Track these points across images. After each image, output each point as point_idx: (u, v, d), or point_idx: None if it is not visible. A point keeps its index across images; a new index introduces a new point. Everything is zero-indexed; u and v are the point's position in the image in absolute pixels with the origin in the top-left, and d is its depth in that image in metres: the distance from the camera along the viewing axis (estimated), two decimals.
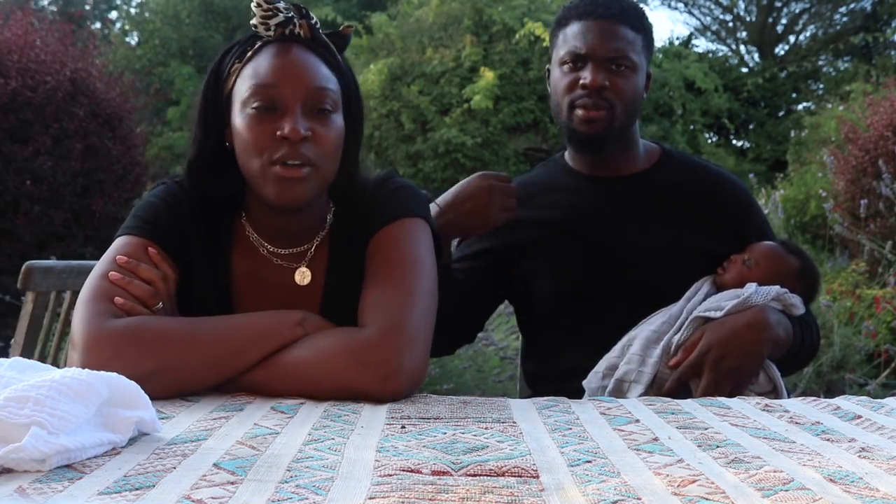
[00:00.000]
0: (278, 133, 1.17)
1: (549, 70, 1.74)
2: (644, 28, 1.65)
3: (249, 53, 1.23)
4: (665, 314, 1.52)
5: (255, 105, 1.19)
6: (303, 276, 1.29)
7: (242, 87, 1.21)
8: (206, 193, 1.29)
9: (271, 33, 1.22)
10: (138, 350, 1.08)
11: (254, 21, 1.23)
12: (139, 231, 1.24)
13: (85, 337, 1.09)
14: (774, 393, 1.47)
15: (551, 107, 1.70)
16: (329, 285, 1.29)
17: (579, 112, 1.61)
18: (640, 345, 1.48)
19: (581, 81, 1.60)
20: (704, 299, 1.53)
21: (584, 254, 1.65)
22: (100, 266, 1.19)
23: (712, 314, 1.47)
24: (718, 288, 1.56)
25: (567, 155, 1.77)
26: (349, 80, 1.28)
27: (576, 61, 1.62)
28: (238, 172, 1.25)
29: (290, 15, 1.22)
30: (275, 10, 1.21)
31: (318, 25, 1.25)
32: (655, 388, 1.45)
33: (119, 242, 1.23)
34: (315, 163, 1.19)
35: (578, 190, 1.70)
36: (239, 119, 1.21)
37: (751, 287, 1.50)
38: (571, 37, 1.63)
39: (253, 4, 1.23)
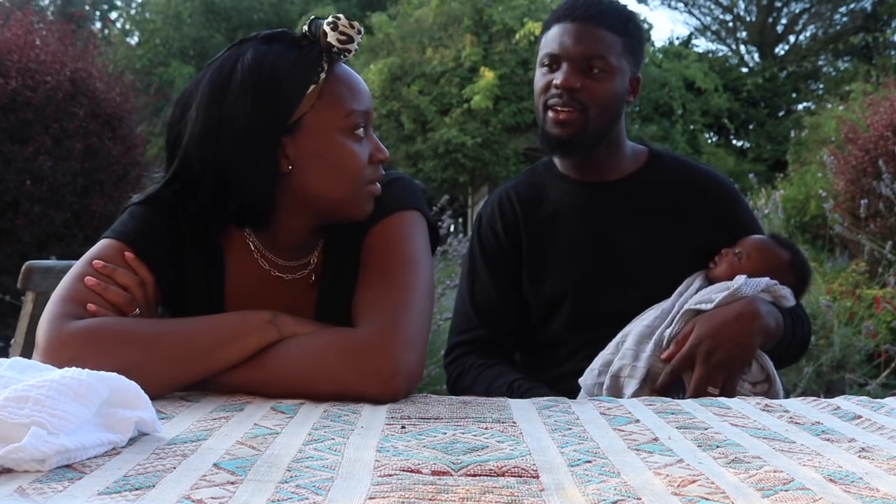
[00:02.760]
0: (380, 156, 1.24)
1: None
2: (627, 32, 1.63)
3: (324, 75, 1.18)
4: (657, 309, 1.53)
5: (358, 131, 1.20)
6: (310, 277, 1.29)
7: (333, 112, 1.18)
8: (210, 210, 1.22)
9: (341, 55, 1.20)
10: (98, 351, 1.06)
11: (331, 40, 1.17)
12: (118, 235, 1.22)
13: (45, 339, 1.08)
14: (768, 382, 1.48)
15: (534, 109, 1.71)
16: (325, 283, 1.28)
17: (551, 114, 1.62)
18: (634, 340, 1.49)
19: (554, 82, 1.60)
20: (696, 293, 1.54)
21: (579, 257, 1.65)
22: (75, 268, 1.18)
23: (703, 306, 1.48)
24: (710, 282, 1.57)
25: (556, 159, 1.78)
26: None
27: (551, 63, 1.62)
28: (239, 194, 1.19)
29: (360, 40, 1.21)
30: (356, 34, 1.19)
31: None
32: (650, 382, 1.46)
33: (97, 246, 1.21)
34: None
35: (568, 195, 1.70)
36: (333, 144, 1.19)
37: (740, 279, 1.51)
38: (550, 39, 1.64)
39: (330, 25, 1.17)
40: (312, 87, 1.17)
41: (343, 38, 1.18)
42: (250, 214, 1.22)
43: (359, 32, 1.19)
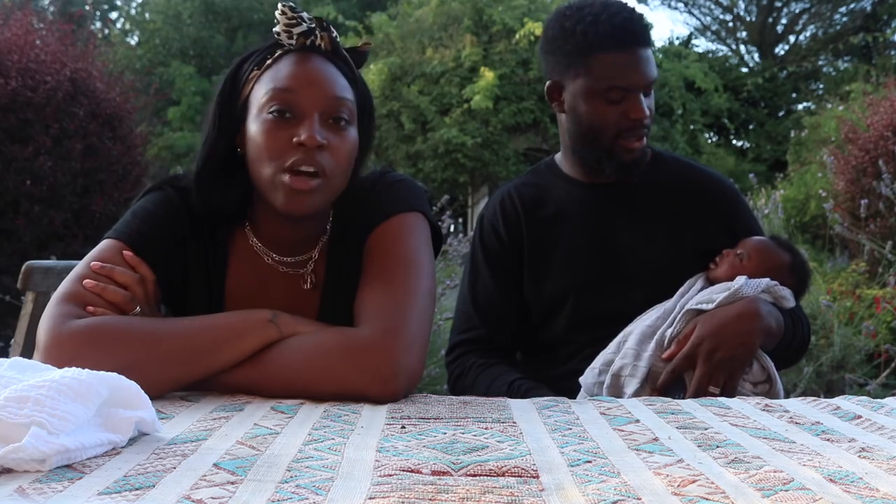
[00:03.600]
0: (294, 140, 1.16)
1: (556, 82, 1.67)
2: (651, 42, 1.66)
3: (269, 61, 1.22)
4: (659, 309, 1.54)
5: (272, 110, 1.18)
6: (310, 280, 1.29)
7: (260, 92, 1.20)
8: (210, 202, 1.26)
9: (293, 42, 1.22)
10: (98, 349, 1.07)
11: (277, 29, 1.23)
12: (118, 235, 1.23)
13: (46, 338, 1.09)
14: (769, 382, 1.48)
15: (577, 128, 1.65)
16: (328, 285, 1.29)
17: (624, 143, 1.61)
18: (635, 340, 1.49)
19: (632, 116, 1.58)
20: (697, 294, 1.54)
21: (581, 258, 1.65)
22: (76, 269, 1.18)
23: (704, 307, 1.49)
24: (711, 283, 1.58)
25: (558, 159, 1.77)
26: (365, 96, 1.29)
27: (620, 94, 1.58)
28: (244, 182, 1.25)
29: (312, 26, 1.22)
30: (299, 19, 1.22)
31: (339, 40, 1.26)
32: (651, 382, 1.46)
33: (98, 247, 1.22)
34: (327, 173, 1.18)
35: (573, 195, 1.70)
36: (255, 125, 1.20)
37: (741, 279, 1.51)
38: (612, 71, 1.57)
39: (277, 12, 1.22)
40: (255, 71, 1.23)
41: (284, 25, 1.22)
42: (233, 206, 1.27)
43: (292, 9, 1.22)
